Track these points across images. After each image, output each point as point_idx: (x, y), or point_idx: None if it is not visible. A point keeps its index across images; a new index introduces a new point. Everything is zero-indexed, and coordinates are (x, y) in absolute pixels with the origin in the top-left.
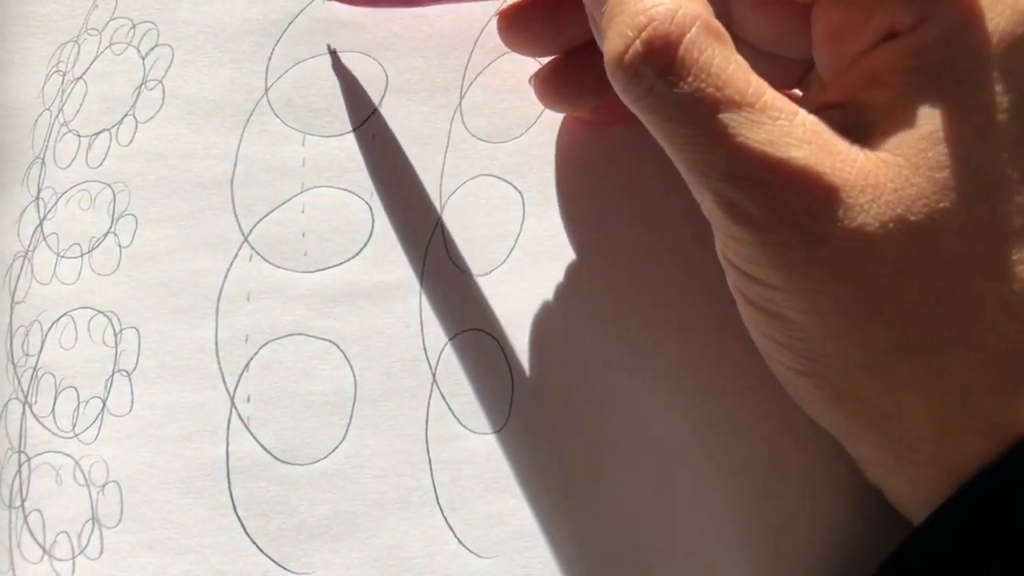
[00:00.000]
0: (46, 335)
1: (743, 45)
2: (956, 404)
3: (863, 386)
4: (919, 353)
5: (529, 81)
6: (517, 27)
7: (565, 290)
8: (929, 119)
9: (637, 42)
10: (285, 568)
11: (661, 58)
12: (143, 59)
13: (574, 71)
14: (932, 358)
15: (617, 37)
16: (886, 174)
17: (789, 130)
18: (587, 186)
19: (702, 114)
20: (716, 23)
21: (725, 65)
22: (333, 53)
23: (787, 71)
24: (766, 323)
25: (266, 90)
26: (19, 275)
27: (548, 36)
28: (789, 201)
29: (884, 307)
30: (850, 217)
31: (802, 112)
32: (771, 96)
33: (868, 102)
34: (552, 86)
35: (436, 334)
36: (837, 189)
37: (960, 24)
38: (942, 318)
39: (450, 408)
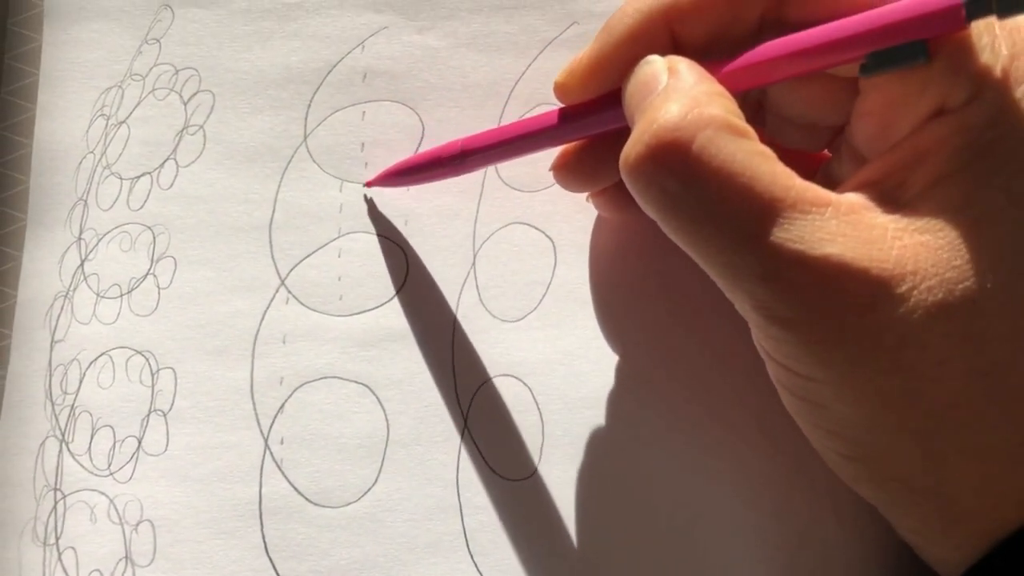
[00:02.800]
0: (84, 374)
1: (772, 115)
2: (1003, 479)
3: (909, 468)
4: (966, 434)
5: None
6: (568, 176)
7: (596, 337)
8: (973, 200)
9: (647, 136)
10: None
11: (670, 157)
12: (185, 105)
13: (589, 157)
14: (979, 438)
15: (630, 140)
16: (926, 259)
17: (822, 224)
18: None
19: (728, 216)
20: (736, 121)
21: (748, 162)
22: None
23: (816, 138)
24: (809, 412)
25: (305, 137)
26: (59, 314)
27: (597, 175)
28: (827, 300)
29: (929, 393)
30: (891, 309)
31: (835, 201)
32: (800, 188)
33: (910, 179)
34: (571, 171)
35: (468, 379)
36: (876, 283)
37: (1010, 105)
38: (987, 398)
39: (481, 453)
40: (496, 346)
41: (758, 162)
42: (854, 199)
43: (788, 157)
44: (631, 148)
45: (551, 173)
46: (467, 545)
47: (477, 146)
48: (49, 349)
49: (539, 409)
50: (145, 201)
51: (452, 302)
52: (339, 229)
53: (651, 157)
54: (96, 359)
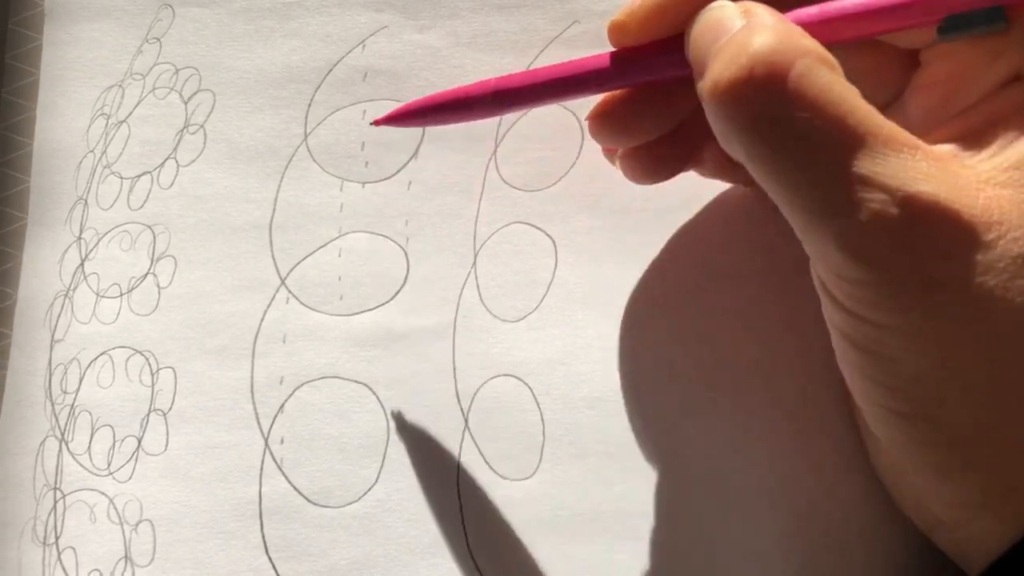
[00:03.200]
0: (84, 373)
1: None
2: None
3: (971, 430)
4: None
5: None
6: (607, 126)
7: (597, 337)
8: None
9: (743, 58)
10: None
11: (770, 83)
12: (185, 104)
13: (633, 106)
14: None
15: (719, 65)
16: (1010, 211)
17: (914, 164)
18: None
19: (821, 147)
20: (830, 56)
21: (844, 94)
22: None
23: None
24: (873, 365)
25: (305, 136)
26: (59, 314)
27: (638, 129)
28: (916, 239)
29: (1006, 349)
30: (976, 256)
31: (923, 145)
32: (891, 126)
33: (983, 143)
34: (611, 121)
35: (469, 379)
36: (966, 227)
37: None
38: None
39: (482, 453)
40: (497, 346)
41: (852, 96)
42: (940, 148)
43: None
44: (721, 72)
45: (587, 123)
46: (467, 545)
47: (512, 86)
48: (49, 348)
49: (540, 409)
50: (145, 200)
51: (452, 302)
52: (339, 228)
53: (747, 80)
54: (96, 358)
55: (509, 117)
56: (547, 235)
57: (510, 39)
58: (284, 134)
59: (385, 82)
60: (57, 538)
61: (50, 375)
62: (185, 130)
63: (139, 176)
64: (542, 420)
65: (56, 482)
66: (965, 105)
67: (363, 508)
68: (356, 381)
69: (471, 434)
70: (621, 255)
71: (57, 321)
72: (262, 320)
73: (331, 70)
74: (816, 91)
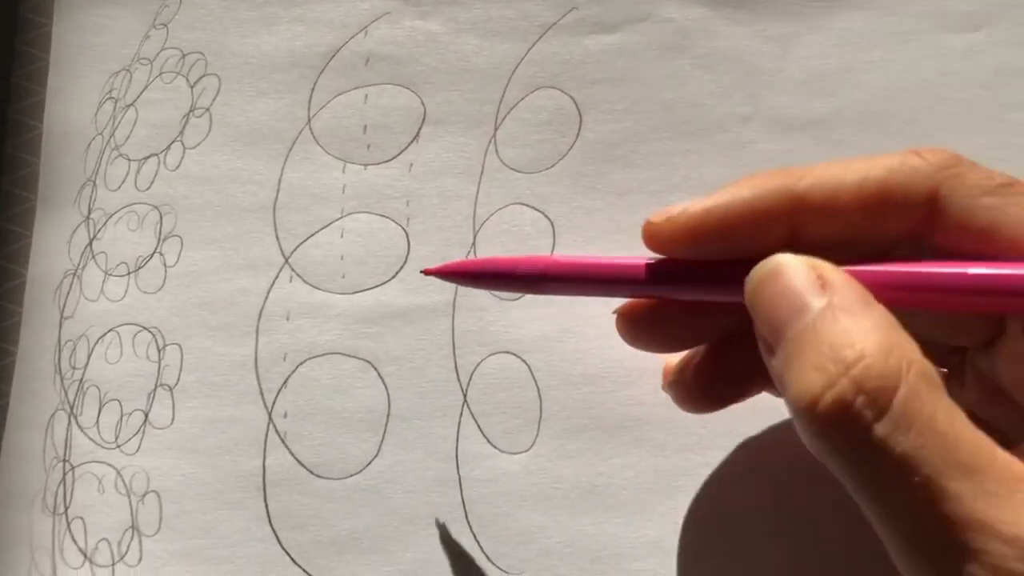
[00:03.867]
0: (92, 349)
1: None
2: None
3: None
4: None
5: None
6: (632, 329)
7: (594, 315)
8: None
9: (845, 380)
10: None
11: (876, 405)
12: (191, 88)
13: (665, 317)
14: None
15: (813, 371)
16: None
17: None
18: None
19: (928, 478)
20: (930, 367)
21: (951, 420)
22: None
23: (931, 353)
24: None
25: (309, 119)
26: (68, 292)
27: (671, 340)
28: None
29: None
30: None
31: None
32: (1004, 458)
33: None
34: (639, 326)
35: (468, 356)
36: None
37: None
38: None
39: (480, 428)
40: (495, 323)
41: (961, 423)
42: None
43: None
44: (817, 387)
45: (613, 316)
46: (466, 516)
47: (559, 273)
48: (58, 325)
49: (537, 385)
50: (152, 182)
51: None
52: (342, 209)
53: (851, 404)
54: (104, 335)
55: (509, 100)
56: (545, 216)
57: (510, 25)
58: (288, 117)
59: (387, 67)
60: (66, 508)
61: (59, 351)
62: (191, 113)
63: (146, 158)
64: (539, 396)
65: (65, 454)
66: None
67: (364, 480)
68: (358, 357)
69: (470, 409)
70: (618, 236)
71: (66, 299)
72: (266, 298)
73: (334, 55)
74: (924, 417)
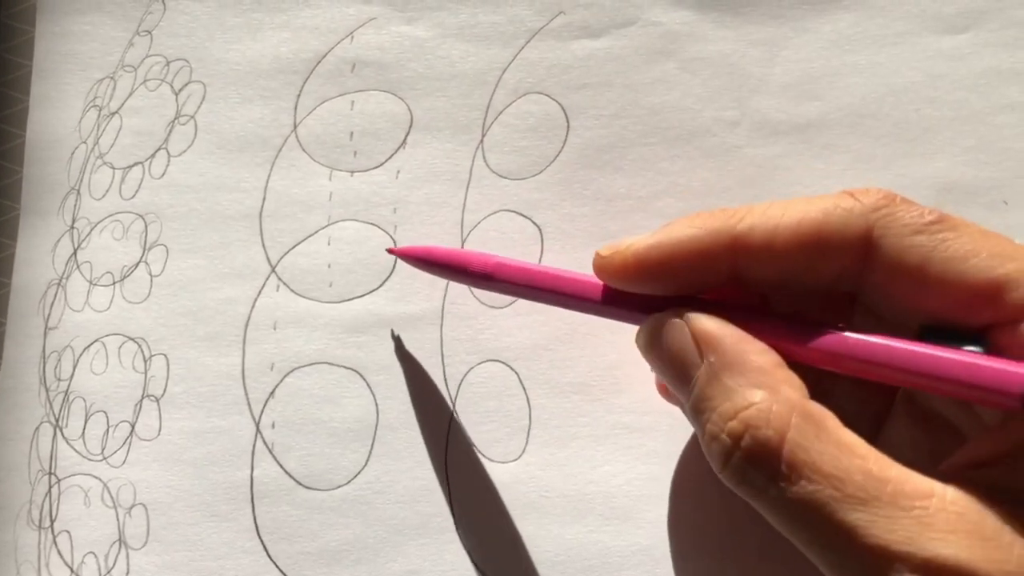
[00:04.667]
0: (78, 360)
1: (861, 314)
2: None
3: None
4: None
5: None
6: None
7: (582, 323)
8: None
9: (738, 452)
10: None
11: (766, 465)
12: (176, 95)
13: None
14: None
15: (713, 441)
16: None
17: (929, 522)
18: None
19: (824, 515)
20: (813, 406)
21: (837, 458)
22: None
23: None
24: None
25: (295, 126)
26: (53, 302)
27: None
28: None
29: None
30: None
31: (938, 491)
32: (898, 480)
33: (1017, 472)
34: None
35: (456, 365)
36: None
37: None
38: None
39: (469, 437)
40: (484, 332)
41: (846, 459)
42: (959, 492)
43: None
44: (719, 454)
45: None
46: (455, 526)
47: (507, 276)
48: (43, 336)
49: (526, 394)
50: (137, 190)
51: (440, 289)
52: (328, 217)
53: (747, 465)
54: (89, 346)
55: (496, 105)
56: (533, 223)
57: (496, 30)
58: (274, 124)
59: (373, 73)
60: (52, 522)
61: (44, 362)
62: (176, 121)
63: (131, 166)
64: (528, 404)
65: (51, 467)
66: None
67: (353, 490)
68: (346, 367)
69: (459, 418)
70: (606, 242)
71: (50, 309)
72: (253, 307)
73: (320, 61)
74: (809, 464)
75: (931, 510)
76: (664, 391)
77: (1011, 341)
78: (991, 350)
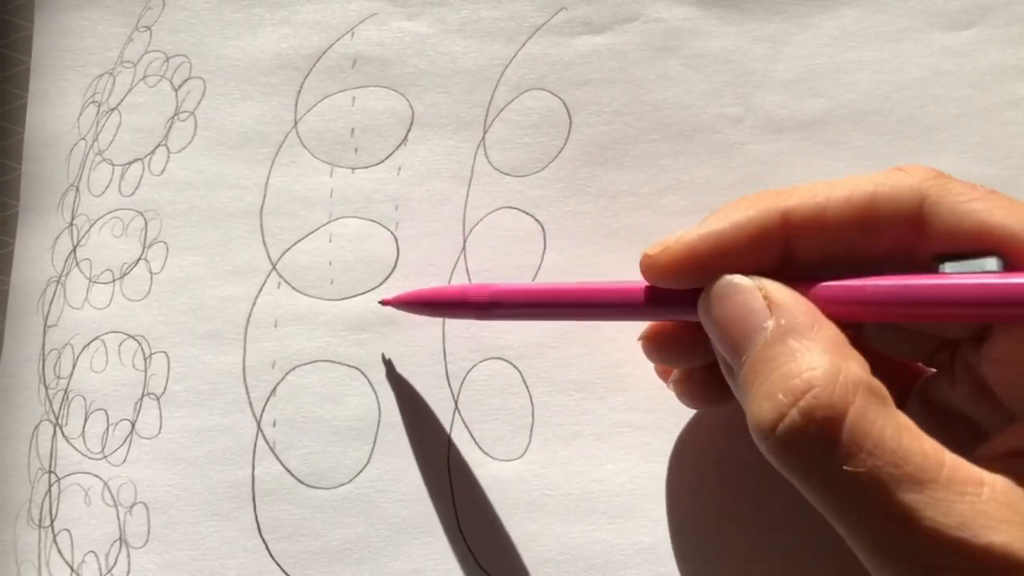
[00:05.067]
0: (77, 358)
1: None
2: None
3: None
4: None
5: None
6: (656, 350)
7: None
8: None
9: (794, 411)
10: None
11: (825, 432)
12: (176, 91)
13: (682, 336)
14: None
15: (766, 400)
16: None
17: (982, 508)
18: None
19: (881, 494)
20: (876, 383)
21: (899, 436)
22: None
23: (922, 349)
24: None
25: (295, 123)
26: (52, 299)
27: (686, 355)
28: None
29: None
30: None
31: (988, 480)
32: (951, 465)
33: None
34: (665, 346)
35: (459, 362)
36: None
37: None
38: None
39: (472, 435)
40: (486, 329)
41: (907, 438)
42: (1005, 479)
43: (877, 364)
44: (771, 416)
45: (639, 343)
46: (458, 525)
47: (510, 300)
48: (42, 334)
49: (529, 391)
50: (137, 187)
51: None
52: (330, 214)
53: (803, 433)
54: (89, 344)
55: (498, 102)
56: (536, 220)
57: (498, 26)
58: (274, 121)
59: (374, 69)
60: (52, 521)
61: (43, 360)
62: (176, 117)
63: (130, 163)
64: (531, 402)
65: (51, 466)
66: None
67: (355, 489)
68: (347, 364)
69: (461, 416)
70: (609, 239)
71: (50, 307)
72: (254, 305)
73: (320, 57)
74: (872, 438)
75: (983, 498)
76: (665, 375)
77: None
78: (1009, 267)
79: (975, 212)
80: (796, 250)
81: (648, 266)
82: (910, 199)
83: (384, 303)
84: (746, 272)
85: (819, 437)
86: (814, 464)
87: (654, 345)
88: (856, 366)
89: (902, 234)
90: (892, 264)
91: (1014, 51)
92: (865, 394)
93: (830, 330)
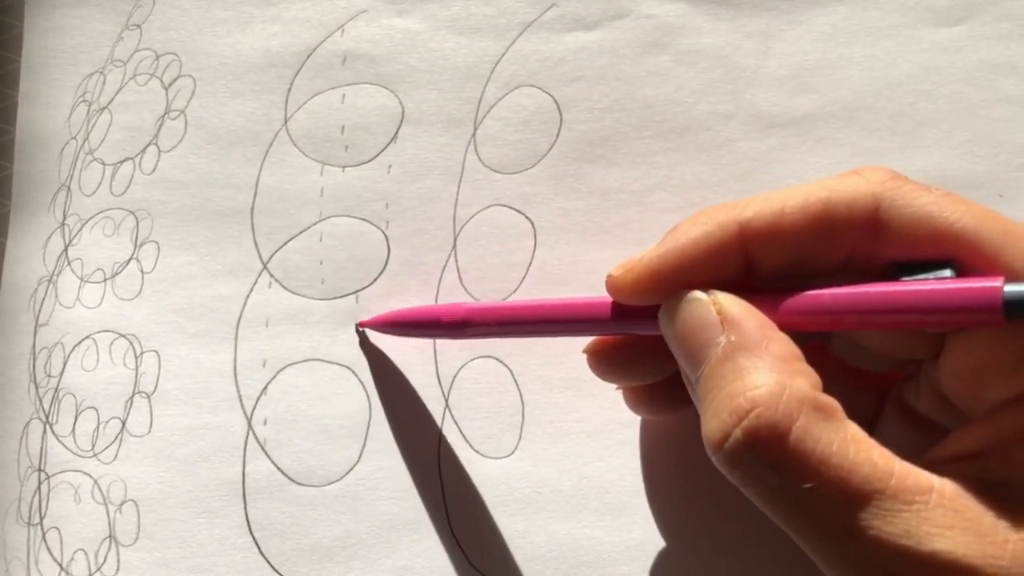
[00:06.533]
0: (68, 357)
1: (840, 335)
2: None
3: None
4: None
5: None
6: (602, 367)
7: None
8: None
9: (738, 430)
10: None
11: (768, 450)
12: (166, 90)
13: (628, 352)
14: None
15: (714, 417)
16: None
17: (927, 516)
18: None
19: (826, 508)
20: (824, 398)
21: (846, 449)
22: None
23: (890, 364)
24: None
25: (285, 121)
26: (43, 298)
27: (632, 373)
28: None
29: None
30: None
31: (937, 485)
32: (899, 473)
33: (1016, 457)
34: (607, 362)
35: (449, 360)
36: None
37: None
38: None
39: (462, 433)
40: None
41: (854, 451)
42: (955, 484)
43: (853, 371)
44: (717, 431)
45: (584, 356)
46: (449, 522)
47: (482, 319)
48: (33, 333)
49: (519, 389)
50: (128, 186)
51: (433, 284)
52: (320, 213)
53: (746, 451)
54: (80, 342)
55: (488, 99)
56: (526, 217)
57: (488, 22)
58: (264, 119)
59: (364, 66)
60: (42, 519)
61: (34, 359)
62: (166, 116)
63: (121, 162)
64: (521, 400)
65: (41, 464)
66: (996, 398)
67: (345, 487)
68: (338, 363)
69: (452, 414)
70: (600, 236)
71: (41, 306)
72: (245, 304)
73: (311, 55)
74: (817, 455)
75: (931, 505)
76: (630, 398)
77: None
78: (963, 273)
79: (930, 216)
80: (756, 260)
81: (613, 287)
82: (864, 203)
83: (360, 326)
84: (708, 286)
85: (762, 455)
86: (760, 480)
87: (597, 360)
88: (803, 382)
89: (859, 238)
90: (854, 271)
91: (1004, 47)
92: (810, 411)
93: (781, 346)
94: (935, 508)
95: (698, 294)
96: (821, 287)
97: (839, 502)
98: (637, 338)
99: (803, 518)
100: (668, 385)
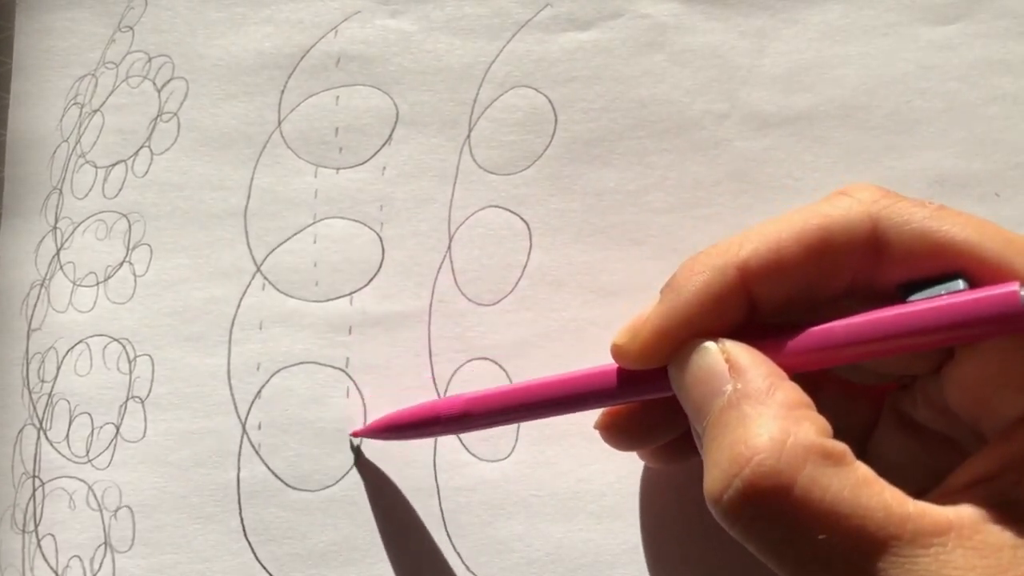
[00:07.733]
0: (61, 362)
1: None
2: None
3: None
4: None
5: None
6: (614, 437)
7: (572, 319)
8: None
9: (738, 480)
10: None
11: (771, 502)
12: (159, 92)
13: (640, 419)
14: None
15: (715, 467)
16: None
17: (947, 559)
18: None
19: (839, 560)
20: (831, 444)
21: (858, 495)
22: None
23: (888, 378)
24: None
25: (279, 123)
26: (36, 303)
27: (644, 439)
28: None
29: None
30: None
31: (955, 522)
32: (915, 515)
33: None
34: (620, 433)
35: (445, 363)
36: None
37: None
38: None
39: (458, 436)
40: (472, 329)
41: (867, 496)
42: (973, 514)
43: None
44: (718, 486)
45: (597, 431)
46: (445, 526)
47: (483, 410)
48: (26, 338)
49: None
50: (120, 189)
51: (428, 286)
52: (314, 215)
53: (747, 503)
54: (73, 347)
55: (483, 100)
56: (521, 218)
57: (483, 23)
58: (258, 121)
59: (358, 67)
60: (36, 525)
61: (27, 364)
62: (159, 118)
63: (114, 165)
64: None
65: (35, 470)
66: (1004, 414)
67: (341, 491)
68: (332, 366)
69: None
70: (595, 237)
71: (33, 310)
72: (238, 307)
73: (304, 56)
74: (827, 505)
75: (949, 547)
76: (642, 452)
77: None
78: (973, 284)
79: (930, 231)
80: (759, 298)
81: (621, 355)
82: (861, 226)
83: (355, 435)
84: (717, 334)
85: (764, 507)
86: (763, 534)
87: (610, 434)
88: (809, 429)
89: (860, 261)
90: (858, 294)
91: (1001, 45)
92: (817, 459)
93: (788, 393)
94: (954, 550)
95: (708, 344)
96: (830, 318)
97: (854, 552)
98: (648, 401)
99: (815, 572)
100: (680, 439)
